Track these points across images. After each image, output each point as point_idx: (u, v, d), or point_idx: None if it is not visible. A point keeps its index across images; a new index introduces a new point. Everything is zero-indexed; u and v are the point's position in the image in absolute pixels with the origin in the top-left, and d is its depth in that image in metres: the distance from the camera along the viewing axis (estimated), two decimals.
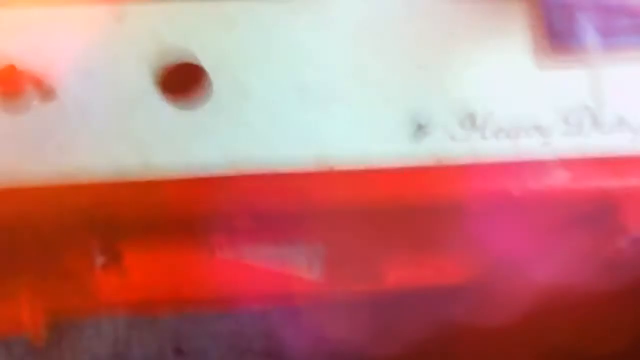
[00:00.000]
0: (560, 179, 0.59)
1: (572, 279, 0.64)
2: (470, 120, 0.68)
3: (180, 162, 0.67)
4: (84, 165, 0.66)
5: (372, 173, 0.67)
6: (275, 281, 0.79)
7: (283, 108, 0.69)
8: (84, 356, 1.02)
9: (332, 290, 0.77)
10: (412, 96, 0.69)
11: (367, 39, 0.71)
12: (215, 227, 0.74)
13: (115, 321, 0.96)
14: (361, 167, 0.67)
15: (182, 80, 0.67)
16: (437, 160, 0.68)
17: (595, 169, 0.60)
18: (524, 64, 0.69)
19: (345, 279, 0.77)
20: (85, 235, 0.74)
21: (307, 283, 0.77)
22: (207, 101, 0.67)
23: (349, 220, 0.69)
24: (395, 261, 0.75)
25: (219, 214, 0.70)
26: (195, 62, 0.67)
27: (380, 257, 0.75)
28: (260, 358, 0.90)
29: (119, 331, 0.95)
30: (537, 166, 0.62)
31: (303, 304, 0.83)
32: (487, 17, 0.63)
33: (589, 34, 0.64)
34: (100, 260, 0.77)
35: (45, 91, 0.62)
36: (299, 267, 0.78)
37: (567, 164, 0.60)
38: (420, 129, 0.68)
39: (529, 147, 0.66)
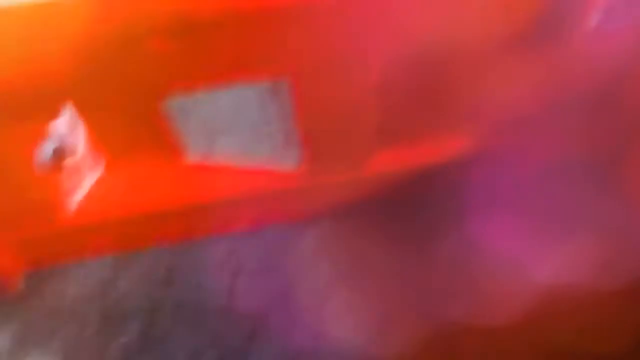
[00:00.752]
0: None
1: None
2: None
3: None
4: None
5: None
6: (253, 180, 0.78)
7: None
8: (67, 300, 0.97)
9: (315, 181, 0.78)
10: None
11: None
12: None
13: (101, 262, 0.96)
14: None
15: None
16: None
17: None
18: None
19: (327, 168, 0.76)
20: None
21: (286, 176, 0.76)
22: None
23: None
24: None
25: None
26: None
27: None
28: (254, 276, 0.88)
29: (105, 271, 0.93)
30: None
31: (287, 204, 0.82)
32: None
33: None
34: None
35: None
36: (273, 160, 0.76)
37: None
38: None
39: None
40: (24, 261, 0.89)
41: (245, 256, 0.87)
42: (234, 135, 0.76)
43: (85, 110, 0.72)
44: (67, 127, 0.73)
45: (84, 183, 0.79)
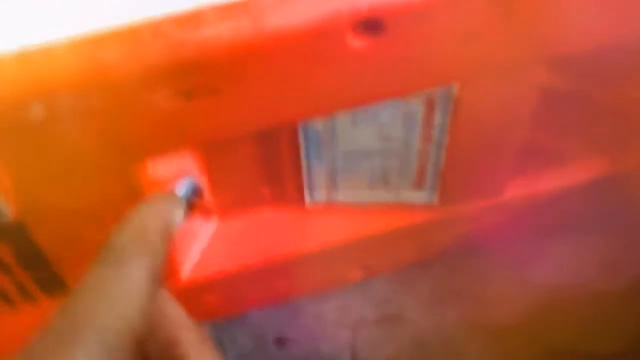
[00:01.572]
0: None
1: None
2: None
3: None
4: None
5: None
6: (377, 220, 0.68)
7: None
8: None
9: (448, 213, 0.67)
10: None
11: None
12: None
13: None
14: None
15: None
16: None
17: None
18: None
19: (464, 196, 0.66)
20: None
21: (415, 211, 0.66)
22: None
23: None
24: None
25: None
26: None
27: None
28: (376, 327, 0.80)
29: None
30: None
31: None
32: None
33: None
34: None
35: None
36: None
37: None
38: None
39: None
40: None
41: (362, 308, 0.78)
42: (359, 171, 0.68)
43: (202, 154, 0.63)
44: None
45: (201, 235, 0.69)
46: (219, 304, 0.67)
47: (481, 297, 0.74)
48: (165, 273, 0.33)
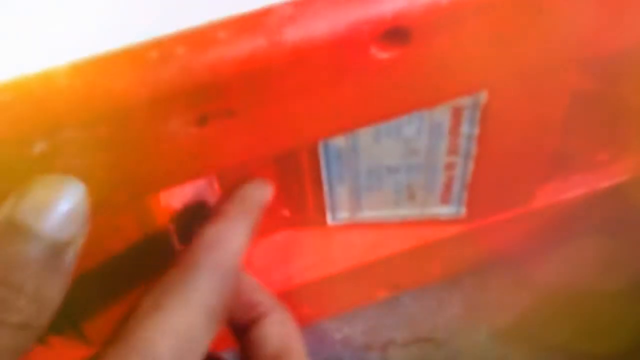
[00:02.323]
0: None
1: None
2: None
3: None
4: None
5: None
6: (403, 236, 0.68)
7: None
8: None
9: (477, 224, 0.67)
10: None
11: None
12: None
13: None
14: None
15: None
16: None
17: None
18: None
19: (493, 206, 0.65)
20: None
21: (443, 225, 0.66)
22: None
23: None
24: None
25: None
26: None
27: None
28: (406, 346, 0.78)
29: None
30: None
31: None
32: None
33: None
34: None
35: None
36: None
37: None
38: None
39: None
40: None
41: (391, 329, 0.77)
42: (383, 188, 0.67)
43: None
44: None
45: None
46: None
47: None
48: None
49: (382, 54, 0.39)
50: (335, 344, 0.76)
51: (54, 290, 0.33)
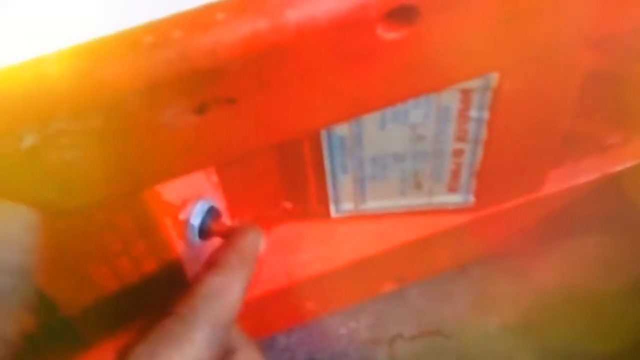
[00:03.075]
0: None
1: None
2: None
3: None
4: None
5: None
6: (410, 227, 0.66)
7: None
8: None
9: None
10: None
11: None
12: None
13: None
14: None
15: None
16: None
17: None
18: None
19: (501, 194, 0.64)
20: None
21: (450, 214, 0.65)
22: None
23: None
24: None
25: None
26: None
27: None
28: (414, 340, 0.77)
29: None
30: None
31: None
32: None
33: None
34: None
35: None
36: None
37: None
38: None
39: None
40: None
41: (397, 323, 0.76)
42: (389, 177, 0.65)
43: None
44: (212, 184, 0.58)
45: None
46: (244, 329, 0.63)
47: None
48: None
49: (389, 35, 0.37)
50: (341, 339, 0.76)
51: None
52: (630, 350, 0.65)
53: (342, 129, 0.51)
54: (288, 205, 0.63)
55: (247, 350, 0.42)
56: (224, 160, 0.42)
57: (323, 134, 0.51)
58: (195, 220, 0.44)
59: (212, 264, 0.40)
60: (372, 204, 0.61)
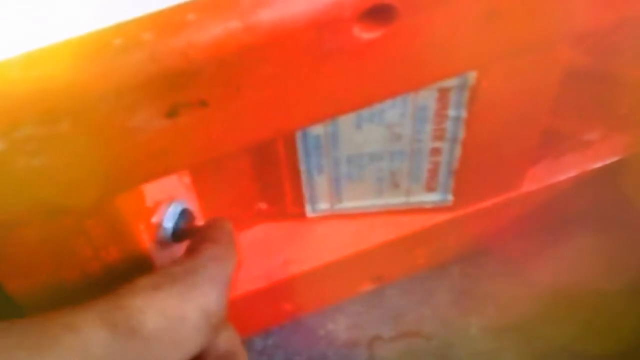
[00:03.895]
0: None
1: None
2: None
3: None
4: None
5: None
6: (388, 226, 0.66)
7: None
8: None
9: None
10: None
11: None
12: None
13: None
14: None
15: None
16: None
17: None
18: None
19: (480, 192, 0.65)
20: None
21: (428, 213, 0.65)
22: None
23: None
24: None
25: None
26: None
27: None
28: (393, 341, 0.76)
29: None
30: None
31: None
32: None
33: None
34: None
35: None
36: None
37: None
38: None
39: None
40: None
41: (376, 324, 0.76)
42: (365, 177, 0.65)
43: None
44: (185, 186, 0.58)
45: None
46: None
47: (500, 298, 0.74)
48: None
49: (365, 35, 0.36)
50: (319, 341, 0.75)
51: None
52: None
53: (318, 129, 0.50)
54: (263, 205, 0.62)
55: (228, 332, 0.42)
56: (196, 163, 0.41)
57: (298, 133, 0.51)
58: (168, 223, 0.43)
59: (206, 239, 0.40)
60: (348, 204, 0.61)
